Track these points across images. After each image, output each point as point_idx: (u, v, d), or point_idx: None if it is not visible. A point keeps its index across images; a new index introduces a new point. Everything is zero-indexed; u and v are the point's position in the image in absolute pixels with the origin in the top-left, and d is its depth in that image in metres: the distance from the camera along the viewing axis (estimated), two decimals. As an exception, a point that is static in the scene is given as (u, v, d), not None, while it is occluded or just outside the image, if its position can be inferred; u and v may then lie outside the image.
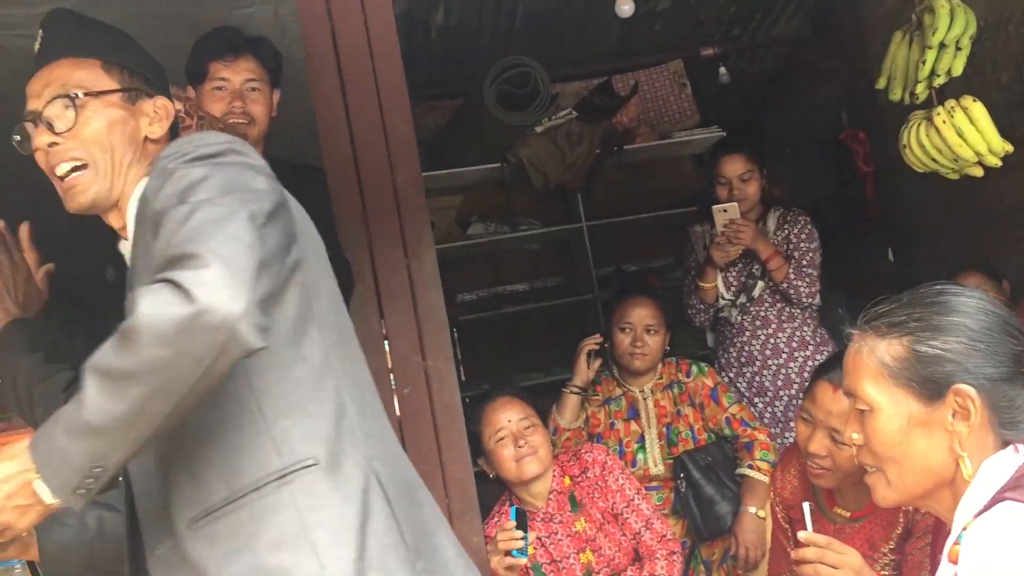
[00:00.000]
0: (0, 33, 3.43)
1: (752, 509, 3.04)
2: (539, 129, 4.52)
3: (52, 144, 1.48)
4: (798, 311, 3.57)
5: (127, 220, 1.50)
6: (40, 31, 1.54)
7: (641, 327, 3.26)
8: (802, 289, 3.51)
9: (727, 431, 3.22)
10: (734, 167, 3.60)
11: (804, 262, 3.53)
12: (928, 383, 1.44)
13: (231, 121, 2.48)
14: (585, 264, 4.98)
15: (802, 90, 5.27)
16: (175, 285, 1.13)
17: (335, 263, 1.65)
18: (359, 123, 2.31)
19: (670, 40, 5.04)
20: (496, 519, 2.77)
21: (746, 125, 5.36)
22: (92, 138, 1.45)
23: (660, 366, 3.33)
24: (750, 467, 3.10)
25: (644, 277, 5.15)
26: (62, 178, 1.49)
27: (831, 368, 2.26)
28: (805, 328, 3.58)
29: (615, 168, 4.80)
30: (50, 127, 1.47)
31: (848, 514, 2.33)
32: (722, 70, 5.04)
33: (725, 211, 3.52)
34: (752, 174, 3.60)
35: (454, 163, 4.54)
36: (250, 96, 2.50)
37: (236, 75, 2.48)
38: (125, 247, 1.55)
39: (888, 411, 1.47)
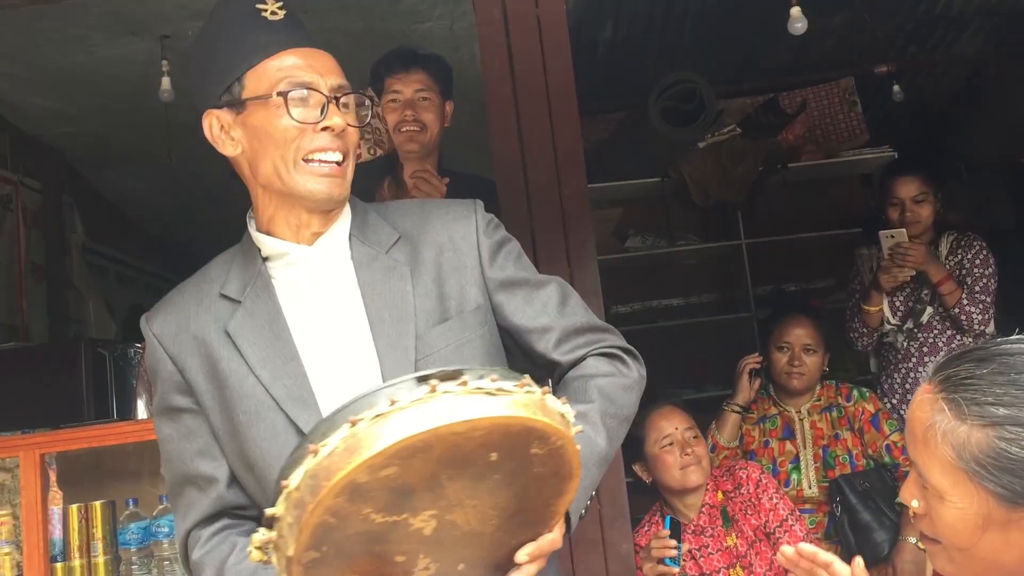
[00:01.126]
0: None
1: (912, 539, 2.95)
2: (702, 144, 4.53)
3: (345, 129, 1.41)
4: (968, 339, 3.44)
5: (337, 225, 1.48)
6: (277, 5, 1.43)
7: (799, 346, 3.23)
8: (974, 316, 3.37)
9: (887, 459, 3.14)
10: (908, 189, 3.50)
11: (977, 288, 3.39)
12: (1015, 487, 1.18)
13: (404, 130, 2.63)
14: (743, 282, 4.92)
15: (983, 111, 5.05)
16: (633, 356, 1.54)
17: None
18: (529, 136, 2.39)
19: (841, 57, 4.93)
20: (646, 528, 2.80)
21: (920, 146, 5.19)
22: (355, 141, 1.46)
23: (818, 388, 3.29)
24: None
25: (804, 298, 5.04)
26: (335, 163, 1.40)
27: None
28: (975, 357, 3.43)
29: (778, 186, 4.73)
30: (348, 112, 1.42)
31: None
32: (896, 88, 4.89)
33: (892, 236, 3.43)
34: (926, 196, 3.49)
35: (615, 176, 4.59)
36: (421, 105, 2.66)
37: (408, 87, 2.65)
38: (325, 246, 1.46)
39: (960, 505, 1.22)
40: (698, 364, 4.87)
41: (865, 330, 3.59)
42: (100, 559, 2.45)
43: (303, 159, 1.39)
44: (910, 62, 4.99)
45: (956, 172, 5.09)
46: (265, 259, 1.46)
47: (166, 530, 2.46)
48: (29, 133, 4.44)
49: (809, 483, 3.17)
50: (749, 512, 2.78)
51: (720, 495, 2.82)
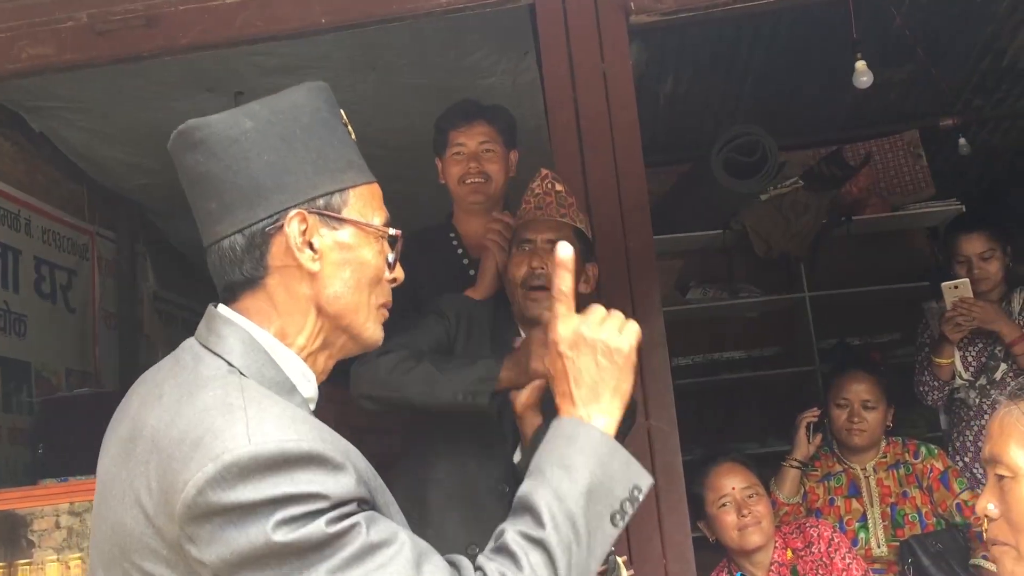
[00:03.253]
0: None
1: None
2: (764, 197, 4.52)
3: None
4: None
5: None
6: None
7: (858, 402, 3.19)
8: (1051, 376, 3.29)
9: (958, 518, 3.07)
10: (974, 246, 3.45)
11: (1054, 346, 3.31)
12: None
13: (469, 182, 2.67)
14: (806, 335, 4.87)
15: (1053, 163, 4.98)
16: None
17: None
18: (595, 188, 2.42)
19: (906, 110, 4.91)
20: (713, 582, 2.76)
21: (987, 198, 5.11)
22: None
23: (884, 444, 3.23)
24: (984, 558, 2.93)
25: (867, 352, 4.96)
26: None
27: None
28: (1052, 415, 3.34)
29: (842, 238, 4.70)
30: None
31: None
32: (962, 141, 4.84)
33: (956, 288, 3.37)
34: (994, 252, 3.44)
35: (677, 228, 4.59)
36: (485, 157, 2.67)
37: (471, 139, 2.67)
38: None
39: None
40: (761, 418, 4.81)
41: (936, 384, 3.52)
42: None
43: (376, 307, 1.29)
44: (976, 115, 4.95)
45: (1025, 225, 5.01)
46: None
47: None
48: (105, 185, 4.59)
49: (878, 542, 3.10)
50: (821, 572, 2.72)
51: (790, 553, 2.77)
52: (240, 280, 1.24)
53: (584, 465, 1.19)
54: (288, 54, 3.46)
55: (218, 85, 3.68)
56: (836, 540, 2.76)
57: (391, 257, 1.29)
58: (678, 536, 2.24)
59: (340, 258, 1.24)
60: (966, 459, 3.45)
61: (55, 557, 2.59)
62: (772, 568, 2.74)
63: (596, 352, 1.26)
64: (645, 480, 1.24)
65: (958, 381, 3.49)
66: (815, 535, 2.77)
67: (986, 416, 3.41)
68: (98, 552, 1.21)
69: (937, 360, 3.48)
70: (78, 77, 3.46)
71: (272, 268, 1.23)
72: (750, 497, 2.73)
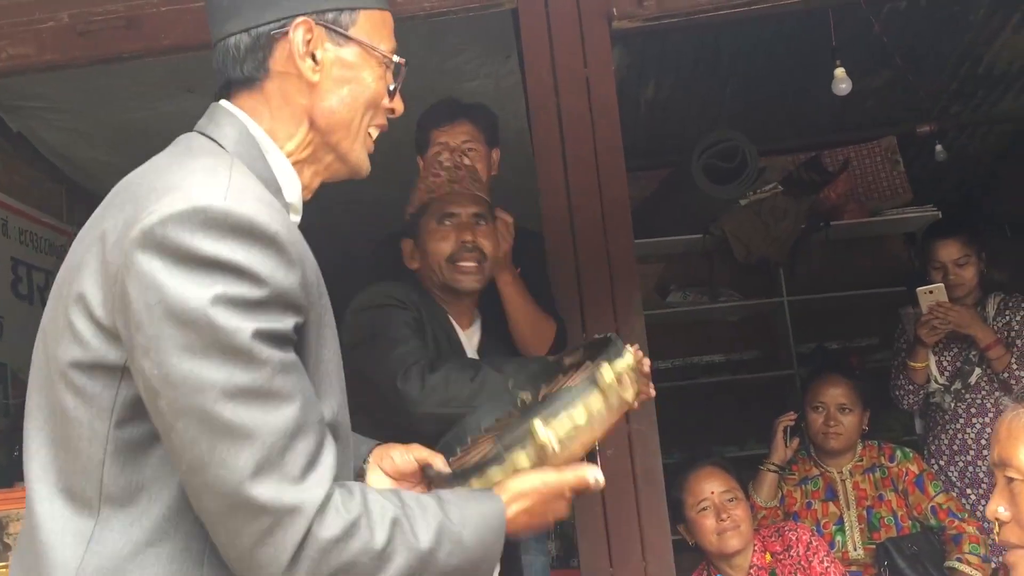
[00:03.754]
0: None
1: None
2: (744, 202, 4.55)
3: None
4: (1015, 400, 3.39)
5: None
6: None
7: (834, 406, 3.21)
8: (1024, 380, 3.33)
9: (932, 521, 3.10)
10: (949, 252, 3.48)
11: (1029, 351, 3.35)
12: None
13: None
14: (785, 339, 4.91)
15: (1028, 169, 5.03)
16: None
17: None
18: (578, 193, 2.43)
19: (883, 116, 4.95)
20: (693, 585, 2.78)
21: (963, 205, 5.17)
22: None
23: (860, 448, 3.27)
24: (959, 560, 2.96)
25: (846, 356, 5.01)
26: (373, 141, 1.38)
27: None
28: (1026, 419, 3.38)
29: (821, 243, 4.74)
30: None
31: None
32: (938, 148, 4.89)
33: (931, 292, 3.41)
34: (969, 259, 3.48)
35: (657, 232, 4.61)
36: (468, 156, 2.67)
37: (453, 138, 2.67)
38: None
39: None
40: (740, 421, 4.84)
41: (911, 387, 3.55)
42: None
43: (367, 129, 1.31)
44: (953, 121, 5.00)
45: (1000, 231, 5.06)
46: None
47: None
48: (83, 185, 4.56)
49: (854, 545, 3.13)
50: (799, 575, 2.74)
51: (768, 556, 2.78)
52: (239, 78, 1.25)
53: (475, 528, 1.17)
54: (270, 55, 3.45)
55: (200, 86, 3.66)
56: (815, 544, 2.78)
57: (392, 86, 1.29)
58: (658, 538, 2.26)
59: (340, 74, 1.26)
60: (941, 462, 3.48)
61: (31, 559, 2.57)
62: (751, 571, 2.75)
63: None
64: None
65: (933, 385, 3.52)
66: (794, 538, 2.79)
67: (961, 420, 3.45)
68: (35, 367, 1.23)
69: (912, 364, 3.51)
70: (57, 77, 3.43)
71: (273, 72, 1.24)
72: (729, 501, 2.74)
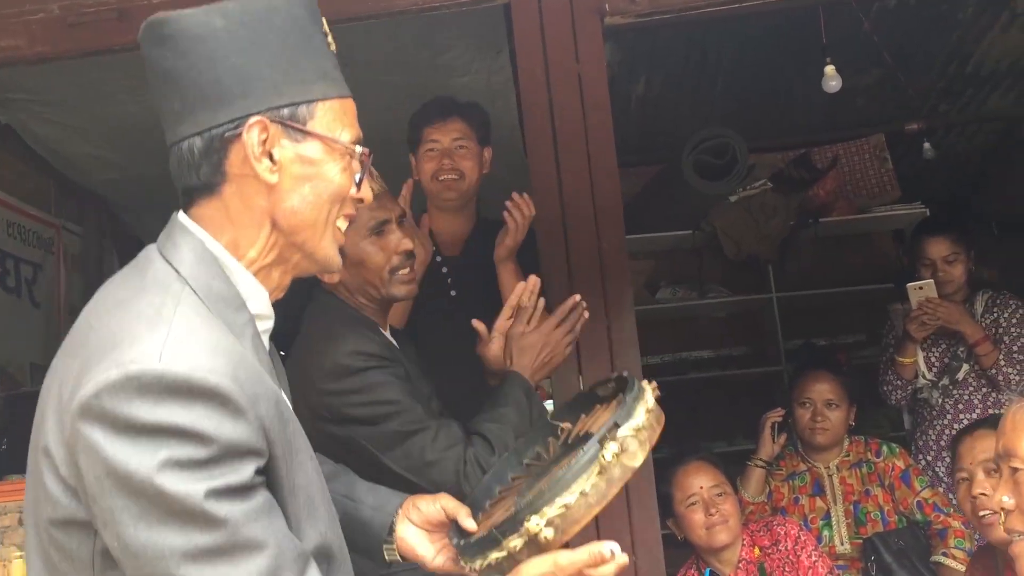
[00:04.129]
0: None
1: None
2: (733, 198, 4.56)
3: None
4: (1005, 397, 3.42)
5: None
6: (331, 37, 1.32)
7: (821, 402, 3.23)
8: (1012, 377, 3.35)
9: (918, 516, 3.12)
10: (938, 249, 3.50)
11: (1015, 348, 3.37)
12: None
13: (442, 178, 2.67)
14: (774, 336, 4.93)
15: (1015, 167, 5.06)
16: None
17: None
18: (569, 189, 2.44)
19: (873, 114, 4.97)
20: (681, 580, 2.79)
21: (951, 203, 5.20)
22: None
23: (847, 443, 3.29)
24: (944, 555, 2.98)
25: (833, 352, 5.04)
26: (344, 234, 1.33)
27: (963, 430, 2.47)
28: (1012, 415, 3.41)
29: (810, 240, 4.76)
30: None
31: None
32: (927, 146, 4.92)
33: (921, 288, 3.43)
34: (958, 256, 3.50)
35: (647, 228, 4.62)
36: (458, 153, 2.67)
37: (445, 136, 2.67)
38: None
39: None
40: (728, 417, 4.86)
41: (899, 383, 3.58)
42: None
43: (335, 223, 1.25)
44: (941, 120, 5.03)
45: (988, 229, 5.09)
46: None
47: None
48: (72, 179, 4.54)
49: (841, 539, 3.15)
50: (787, 570, 2.76)
51: (757, 551, 2.80)
52: (196, 185, 1.20)
53: None
54: (260, 49, 3.43)
55: (190, 79, 3.65)
56: (803, 538, 2.80)
57: (358, 176, 1.24)
58: (648, 533, 2.27)
59: (301, 172, 1.20)
60: (928, 458, 3.51)
61: (19, 554, 2.56)
62: (740, 565, 2.77)
63: None
64: None
65: (921, 381, 3.54)
66: (782, 533, 2.80)
67: (948, 415, 3.47)
68: (27, 504, 1.21)
69: (900, 359, 3.54)
70: (46, 70, 3.41)
71: (229, 176, 1.19)
72: (718, 496, 2.75)
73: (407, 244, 2.06)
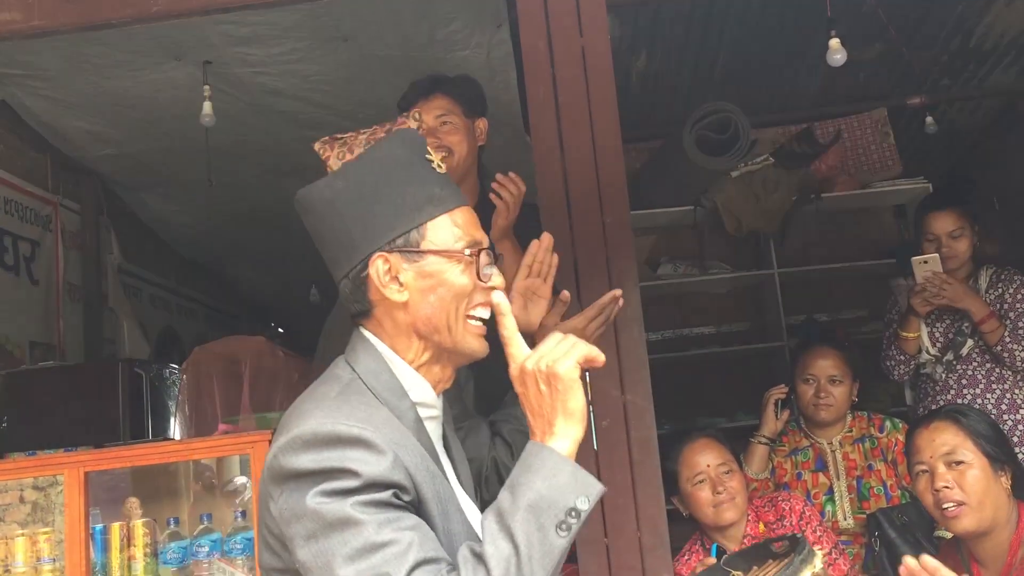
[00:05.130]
0: (243, 71, 3.78)
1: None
2: (735, 174, 4.54)
3: None
4: (1009, 373, 3.41)
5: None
6: (435, 153, 1.54)
7: (824, 378, 3.22)
8: (1017, 353, 3.34)
9: (921, 491, 3.11)
10: (943, 224, 3.48)
11: (1020, 324, 3.35)
12: None
13: None
14: (775, 311, 4.91)
15: (1016, 142, 5.04)
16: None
17: None
18: (573, 163, 2.40)
19: (874, 88, 4.94)
20: (686, 557, 2.78)
21: (954, 177, 5.18)
22: None
23: (850, 419, 3.28)
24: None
25: (834, 328, 5.03)
26: (484, 322, 1.51)
27: (918, 421, 2.50)
28: (1016, 391, 3.41)
29: (811, 216, 4.74)
30: None
31: None
32: (929, 120, 4.89)
33: (926, 263, 3.40)
34: (963, 231, 3.47)
35: (648, 204, 4.60)
36: (443, 130, 2.66)
37: (428, 114, 2.66)
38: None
39: None
40: (730, 393, 4.86)
41: (902, 358, 3.56)
42: (140, 578, 2.47)
43: (466, 315, 1.46)
44: (943, 94, 5.00)
45: (990, 204, 5.08)
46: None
47: (206, 549, 2.47)
48: (69, 155, 4.50)
49: (844, 515, 3.15)
50: (792, 544, 2.76)
51: (762, 526, 2.80)
52: (358, 312, 1.48)
53: (528, 483, 1.28)
54: (259, 23, 3.40)
55: (186, 54, 3.62)
56: (807, 513, 2.79)
57: (485, 271, 1.46)
58: (652, 509, 2.25)
59: (424, 285, 1.44)
60: (931, 433, 3.50)
61: (20, 531, 2.56)
62: (745, 541, 2.76)
63: (538, 382, 1.34)
64: (593, 490, 1.30)
65: (925, 356, 3.53)
66: (787, 508, 2.80)
67: (952, 391, 3.47)
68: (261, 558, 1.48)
69: (904, 334, 3.52)
70: (42, 44, 3.38)
71: (374, 302, 1.46)
72: (725, 473, 2.75)
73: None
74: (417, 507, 1.33)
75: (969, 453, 2.32)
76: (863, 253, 4.89)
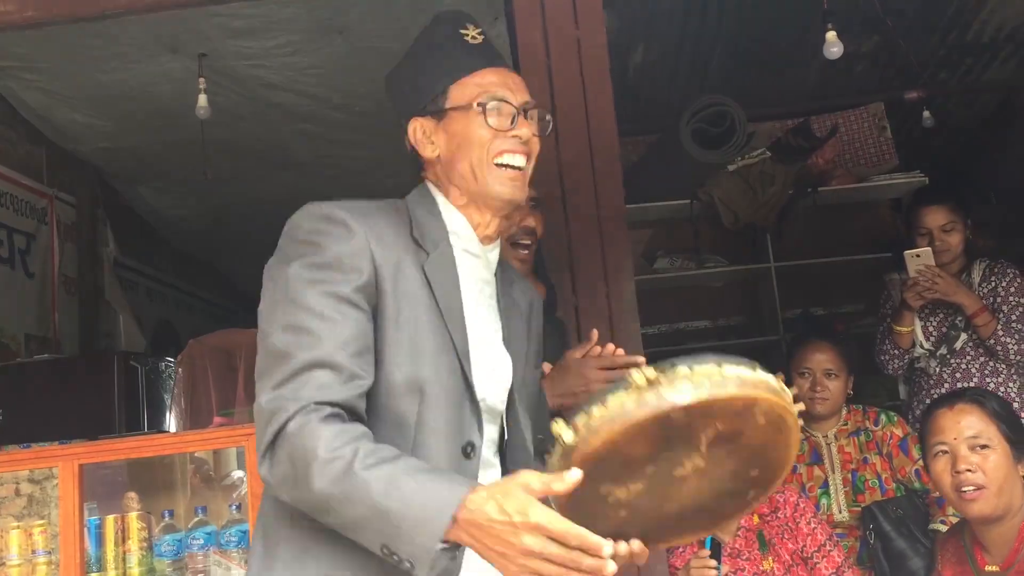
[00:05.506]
0: (238, 63, 3.77)
1: None
2: (731, 167, 4.53)
3: (531, 138, 1.62)
4: (1003, 366, 3.42)
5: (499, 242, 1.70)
6: (474, 27, 1.65)
7: (820, 371, 3.22)
8: (1010, 346, 3.34)
9: (916, 484, 3.12)
10: (936, 218, 3.48)
11: (1013, 317, 3.36)
12: None
13: None
14: (771, 305, 4.91)
15: (1013, 136, 5.04)
16: None
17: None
18: (568, 156, 2.41)
19: (871, 82, 4.94)
20: (682, 549, 2.78)
21: (947, 173, 5.18)
22: (537, 150, 1.65)
23: (845, 412, 3.28)
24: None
25: (831, 322, 5.03)
26: (518, 168, 1.59)
27: (940, 402, 2.45)
28: (1010, 384, 3.41)
29: (808, 209, 4.73)
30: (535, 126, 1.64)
31: (997, 567, 2.31)
32: (926, 114, 4.89)
33: (918, 256, 3.41)
34: (955, 225, 3.48)
35: (644, 197, 4.60)
36: None
37: None
38: (492, 254, 1.66)
39: None
40: (725, 387, 4.85)
41: (896, 352, 3.57)
42: (135, 570, 2.46)
43: (494, 163, 1.58)
44: (940, 88, 5.00)
45: (986, 197, 5.08)
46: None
47: (201, 542, 2.47)
48: (65, 148, 4.50)
49: (839, 508, 3.15)
50: (786, 536, 2.76)
51: (756, 518, 2.80)
52: (416, 169, 1.68)
53: (406, 499, 1.28)
54: (254, 15, 3.40)
55: (181, 47, 3.61)
56: (802, 505, 2.80)
57: (490, 121, 1.57)
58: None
59: (450, 140, 1.60)
60: (926, 427, 3.51)
61: (16, 524, 2.56)
62: (739, 532, 2.77)
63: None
64: (424, 559, 1.27)
65: (919, 350, 3.54)
66: (781, 501, 2.80)
67: (946, 385, 3.47)
68: None
69: (898, 328, 3.53)
70: (36, 36, 3.37)
71: (423, 159, 1.65)
72: None
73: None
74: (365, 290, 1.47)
75: (993, 438, 2.31)
76: (859, 247, 4.88)
